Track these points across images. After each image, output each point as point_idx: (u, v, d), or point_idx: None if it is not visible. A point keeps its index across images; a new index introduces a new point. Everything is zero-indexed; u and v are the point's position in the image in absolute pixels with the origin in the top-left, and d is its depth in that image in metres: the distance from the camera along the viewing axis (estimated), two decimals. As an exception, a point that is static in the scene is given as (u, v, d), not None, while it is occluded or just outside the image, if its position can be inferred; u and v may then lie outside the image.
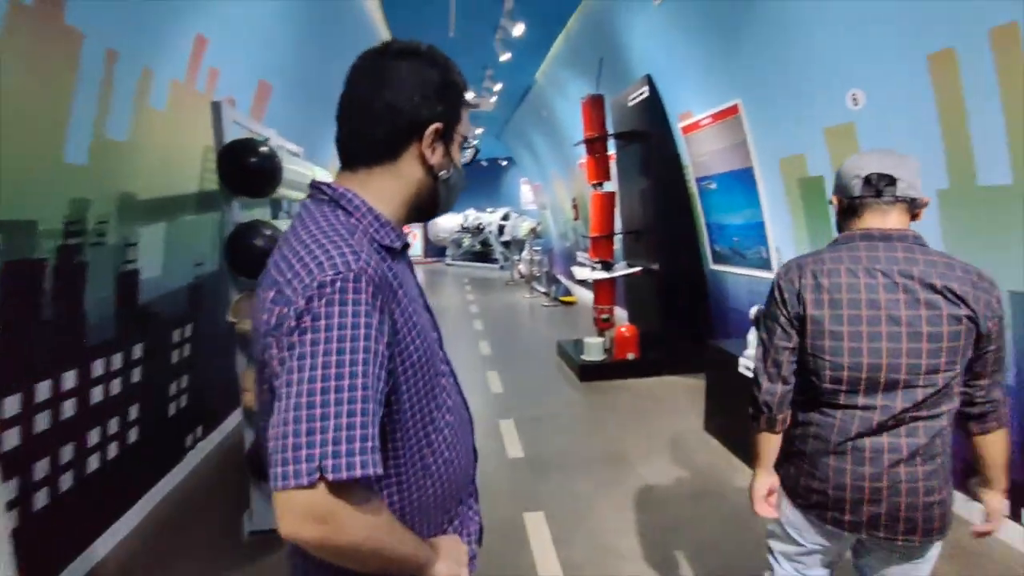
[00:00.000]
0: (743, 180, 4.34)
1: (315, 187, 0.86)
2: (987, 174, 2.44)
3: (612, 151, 5.98)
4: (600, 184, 5.79)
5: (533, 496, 3.11)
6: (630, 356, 5.32)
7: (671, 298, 5.44)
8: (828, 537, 1.40)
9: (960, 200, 2.56)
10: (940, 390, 1.23)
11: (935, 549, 1.34)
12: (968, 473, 1.36)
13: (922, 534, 1.27)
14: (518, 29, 6.01)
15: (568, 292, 9.90)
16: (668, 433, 3.96)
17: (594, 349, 5.37)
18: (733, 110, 4.15)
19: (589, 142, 5.80)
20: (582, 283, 6.83)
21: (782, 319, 1.32)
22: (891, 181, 1.26)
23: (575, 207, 9.80)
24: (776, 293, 1.34)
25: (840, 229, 1.39)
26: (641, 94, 5.32)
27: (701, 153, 4.86)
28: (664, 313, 5.46)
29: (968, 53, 2.36)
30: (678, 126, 5.06)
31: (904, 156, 1.30)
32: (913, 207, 1.29)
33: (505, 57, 6.88)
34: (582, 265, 6.00)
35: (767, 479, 1.45)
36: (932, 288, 1.21)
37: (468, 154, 0.93)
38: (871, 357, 1.23)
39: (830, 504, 1.32)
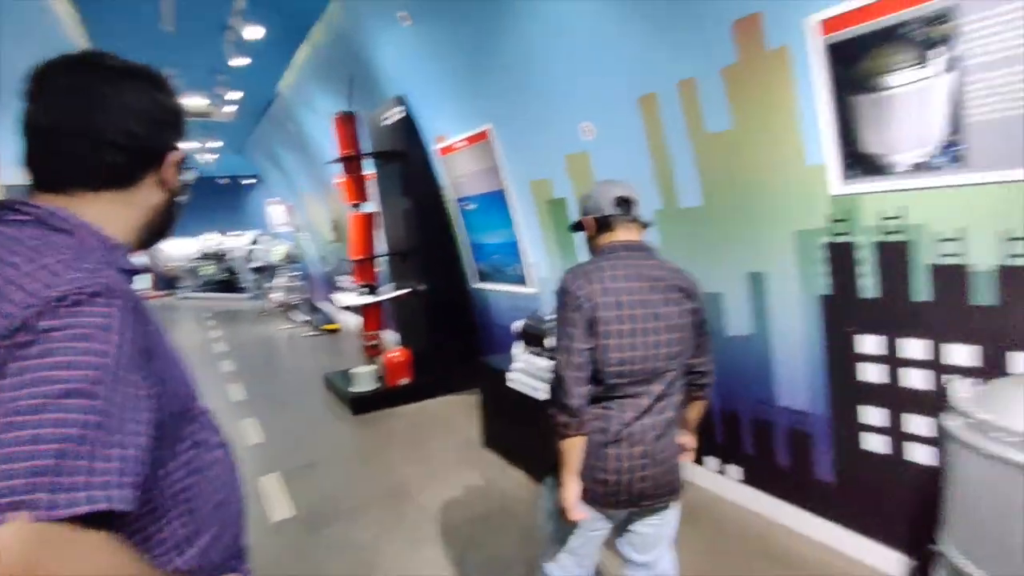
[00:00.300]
0: (498, 201, 4.60)
1: (5, 207, 0.71)
2: (685, 198, 2.99)
3: (371, 170, 5.79)
4: (358, 204, 5.54)
5: (309, 560, 2.71)
6: (403, 381, 5.16)
7: (440, 318, 5.46)
8: (607, 519, 1.55)
9: (670, 218, 3.09)
10: (680, 370, 1.51)
11: (678, 504, 1.60)
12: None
13: (673, 494, 1.53)
14: (251, 32, 5.41)
15: (331, 319, 9.28)
16: (448, 455, 3.91)
17: (364, 379, 5.06)
18: (484, 135, 4.37)
19: (344, 160, 5.51)
20: (348, 309, 6.44)
21: (581, 323, 1.43)
22: (633, 203, 1.55)
23: (335, 229, 9.27)
24: (570, 300, 1.44)
25: (592, 244, 1.60)
26: (395, 114, 5.26)
27: (458, 175, 5.01)
28: (434, 333, 5.46)
29: (665, 98, 2.86)
30: (434, 148, 5.14)
31: (632, 186, 1.59)
32: (643, 226, 1.58)
33: (239, 62, 6.13)
34: (345, 290, 5.65)
35: (578, 483, 1.49)
36: (675, 288, 1.48)
37: (190, 176, 0.91)
38: (643, 349, 1.43)
39: (611, 489, 1.46)
